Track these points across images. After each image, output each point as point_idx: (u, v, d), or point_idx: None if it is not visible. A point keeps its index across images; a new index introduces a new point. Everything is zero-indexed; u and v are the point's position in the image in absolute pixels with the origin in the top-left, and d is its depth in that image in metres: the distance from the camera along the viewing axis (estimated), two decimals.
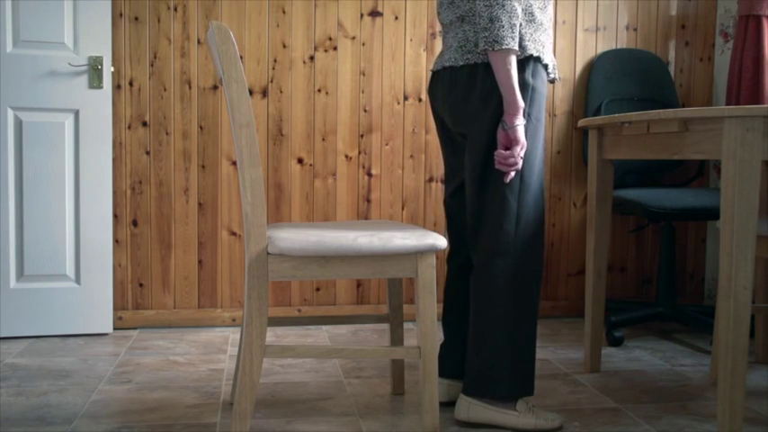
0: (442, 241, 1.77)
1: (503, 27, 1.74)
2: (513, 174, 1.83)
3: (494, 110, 1.85)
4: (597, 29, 3.28)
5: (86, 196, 2.86)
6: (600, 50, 3.29)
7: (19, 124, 2.80)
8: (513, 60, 1.77)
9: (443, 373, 2.11)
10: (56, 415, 2.01)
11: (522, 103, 1.79)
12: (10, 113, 2.79)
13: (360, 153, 3.12)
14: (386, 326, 3.10)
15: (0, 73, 2.78)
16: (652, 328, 3.13)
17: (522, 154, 1.81)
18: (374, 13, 3.10)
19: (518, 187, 1.88)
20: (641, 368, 2.51)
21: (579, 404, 2.14)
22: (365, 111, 3.12)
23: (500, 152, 1.80)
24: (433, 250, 1.76)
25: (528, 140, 1.87)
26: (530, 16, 1.84)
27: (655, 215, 2.72)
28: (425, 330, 1.76)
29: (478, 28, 1.77)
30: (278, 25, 3.03)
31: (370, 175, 3.14)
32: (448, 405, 2.10)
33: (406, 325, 3.14)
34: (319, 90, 3.08)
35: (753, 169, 1.72)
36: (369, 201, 3.14)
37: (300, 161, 3.08)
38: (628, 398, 2.20)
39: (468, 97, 1.88)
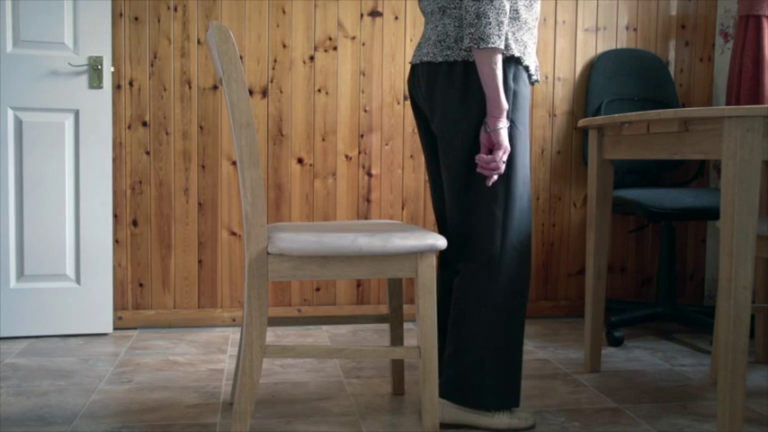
0: (442, 241, 1.77)
1: (490, 24, 1.67)
2: (495, 178, 1.77)
3: (474, 112, 1.79)
4: (597, 29, 3.28)
5: (86, 196, 2.86)
6: (600, 50, 3.29)
7: (19, 124, 2.80)
8: (499, 60, 1.71)
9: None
10: (56, 415, 2.01)
11: (506, 105, 1.74)
12: (10, 113, 2.80)
13: (360, 153, 3.12)
14: (386, 326, 3.10)
15: (0, 73, 2.78)
16: (652, 328, 3.13)
17: (504, 158, 1.75)
18: (374, 13, 3.10)
19: (503, 196, 1.83)
20: (641, 368, 2.51)
21: (579, 404, 2.14)
22: (365, 111, 3.12)
23: (482, 156, 1.74)
24: (433, 250, 1.76)
25: (512, 147, 1.81)
26: (514, 14, 1.78)
27: (655, 215, 2.72)
28: (425, 330, 1.76)
29: (464, 23, 1.70)
30: (278, 25, 3.03)
31: (370, 175, 3.14)
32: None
33: (406, 325, 3.14)
34: (319, 90, 3.08)
35: (753, 169, 1.72)
36: (369, 201, 3.14)
37: (300, 161, 3.08)
38: (628, 398, 2.20)
39: (446, 96, 1.81)
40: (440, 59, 1.80)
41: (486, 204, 1.83)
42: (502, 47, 1.70)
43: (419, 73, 1.89)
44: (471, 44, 1.69)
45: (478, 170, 1.77)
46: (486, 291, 1.85)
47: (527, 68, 1.85)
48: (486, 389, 1.87)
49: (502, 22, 1.68)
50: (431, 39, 1.85)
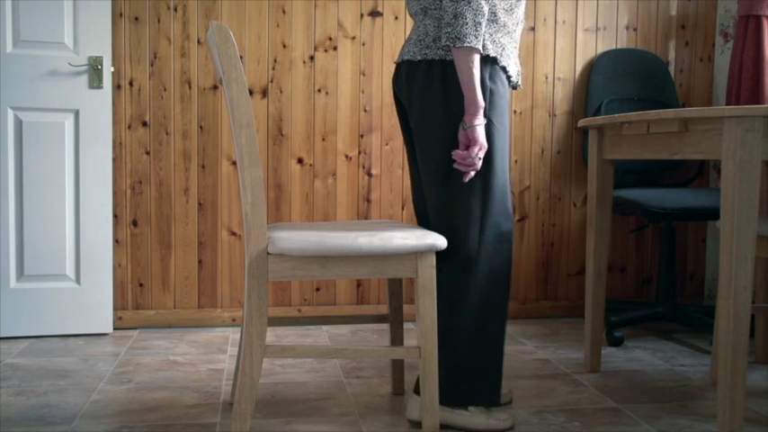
0: (442, 241, 1.77)
1: (466, 24, 1.70)
2: (472, 174, 1.79)
3: (451, 109, 1.81)
4: (597, 29, 3.28)
5: (86, 196, 2.86)
6: (600, 50, 3.29)
7: (19, 124, 2.80)
8: (476, 59, 1.74)
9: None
10: (56, 415, 2.01)
11: (482, 103, 1.75)
12: (10, 113, 2.80)
13: (360, 153, 3.12)
14: (386, 326, 3.10)
15: (0, 73, 2.78)
16: (652, 328, 3.13)
17: (480, 155, 1.77)
18: (374, 13, 3.10)
19: (481, 193, 1.84)
20: (641, 368, 2.51)
21: (579, 404, 2.14)
22: (365, 111, 3.12)
23: (458, 152, 1.76)
24: (432, 250, 1.76)
25: (491, 146, 1.83)
26: (492, 16, 1.81)
27: (655, 215, 2.72)
28: (425, 330, 1.76)
29: (442, 23, 1.74)
30: (278, 25, 3.03)
31: (370, 175, 3.14)
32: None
33: (406, 325, 3.14)
34: (319, 90, 3.08)
35: (753, 169, 1.72)
36: (369, 201, 3.14)
37: (300, 161, 3.08)
38: (628, 398, 2.20)
39: (425, 94, 1.84)
40: (419, 58, 1.84)
41: (463, 201, 1.84)
42: (478, 46, 1.72)
43: (401, 71, 1.93)
44: (448, 43, 1.72)
45: (455, 166, 1.79)
46: (465, 289, 1.85)
47: (504, 69, 1.86)
48: (461, 386, 1.87)
49: (479, 23, 1.71)
50: (412, 38, 1.89)
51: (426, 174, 1.89)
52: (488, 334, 1.88)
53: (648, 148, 2.08)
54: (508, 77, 1.89)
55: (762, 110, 1.69)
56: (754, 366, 2.52)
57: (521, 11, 1.88)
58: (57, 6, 2.80)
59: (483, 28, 1.73)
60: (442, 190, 1.86)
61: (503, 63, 1.84)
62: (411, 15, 1.96)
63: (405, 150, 3.14)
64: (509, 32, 1.85)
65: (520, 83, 1.95)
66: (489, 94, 1.83)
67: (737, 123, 1.71)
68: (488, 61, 1.82)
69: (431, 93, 1.83)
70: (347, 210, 3.13)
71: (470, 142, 1.77)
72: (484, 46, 1.79)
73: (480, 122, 1.76)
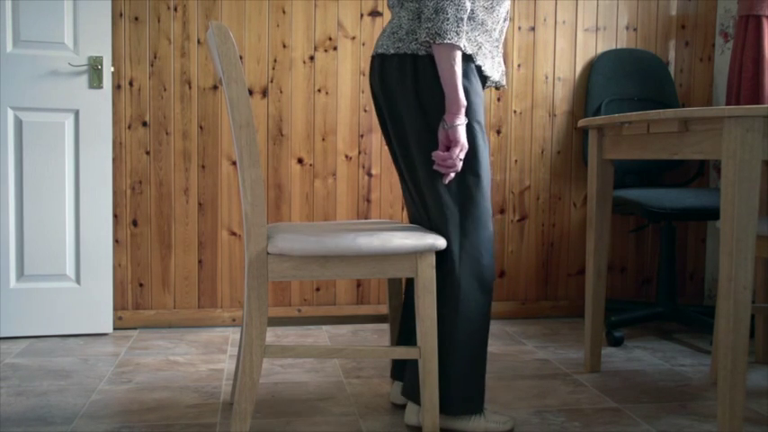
0: (441, 241, 1.77)
1: (447, 20, 1.65)
2: (452, 175, 1.74)
3: (424, 108, 1.76)
4: (597, 29, 3.28)
5: (86, 196, 2.87)
6: (600, 50, 3.29)
7: (19, 124, 2.80)
8: (458, 56, 1.68)
9: (399, 375, 2.05)
10: (56, 415, 2.01)
11: (464, 102, 1.70)
12: (10, 113, 2.80)
13: (360, 153, 3.12)
14: (386, 326, 3.10)
15: (0, 73, 2.78)
16: (652, 328, 3.13)
17: (461, 156, 1.71)
18: (374, 13, 3.10)
19: (461, 195, 1.79)
20: (641, 368, 2.51)
21: (579, 404, 2.14)
22: (365, 111, 3.12)
23: (438, 153, 1.70)
24: (432, 250, 1.76)
25: (471, 146, 1.78)
26: (471, 14, 1.75)
27: (655, 215, 2.72)
28: (425, 330, 1.76)
29: (422, 17, 1.68)
30: (278, 25, 3.03)
31: (370, 175, 3.14)
32: (403, 408, 2.09)
33: None
34: (319, 90, 3.08)
35: (753, 169, 1.72)
36: (369, 201, 3.14)
37: (300, 161, 3.08)
38: (628, 398, 2.20)
39: (398, 90, 1.79)
40: (392, 51, 1.79)
41: (443, 203, 1.80)
42: (459, 43, 1.67)
43: (375, 65, 1.87)
44: (428, 39, 1.67)
45: (435, 167, 1.74)
46: (449, 292, 1.82)
47: (480, 69, 1.82)
48: (450, 395, 1.84)
49: (461, 19, 1.66)
50: (386, 31, 1.84)
51: (406, 173, 1.86)
52: (471, 340, 1.83)
53: (648, 148, 2.08)
54: (483, 77, 1.84)
55: (762, 110, 1.69)
56: (754, 366, 2.52)
57: (503, 9, 1.82)
58: (57, 6, 2.80)
59: (464, 24, 1.68)
60: (422, 190, 1.84)
61: (478, 62, 1.79)
62: (389, 8, 1.90)
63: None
64: (487, 31, 1.80)
65: (504, 82, 1.90)
66: (465, 93, 1.78)
67: (737, 123, 1.71)
68: (463, 59, 1.77)
69: (404, 89, 1.78)
70: (347, 210, 3.13)
71: (451, 143, 1.71)
72: None
73: (462, 122, 1.70)
